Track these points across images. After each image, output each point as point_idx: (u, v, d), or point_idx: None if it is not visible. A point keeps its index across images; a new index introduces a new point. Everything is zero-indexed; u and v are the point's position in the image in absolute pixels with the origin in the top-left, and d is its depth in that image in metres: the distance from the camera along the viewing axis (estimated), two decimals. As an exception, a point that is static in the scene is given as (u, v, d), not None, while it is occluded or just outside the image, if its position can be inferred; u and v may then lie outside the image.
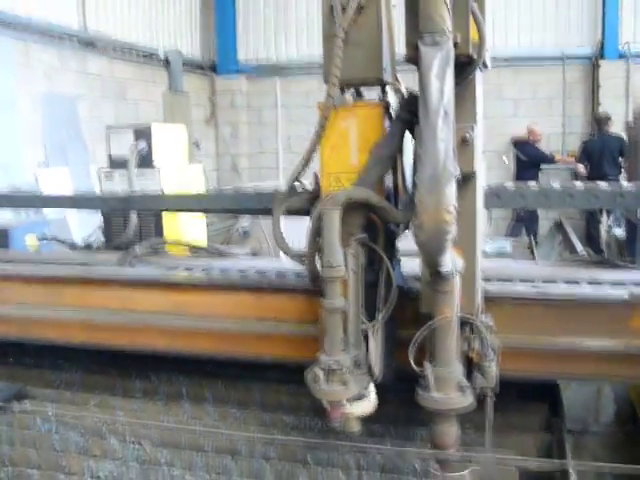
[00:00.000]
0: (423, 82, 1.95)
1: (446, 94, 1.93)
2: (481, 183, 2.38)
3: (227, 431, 2.74)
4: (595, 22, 12.80)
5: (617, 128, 11.50)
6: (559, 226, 11.59)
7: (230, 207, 3.39)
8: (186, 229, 5.81)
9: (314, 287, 2.48)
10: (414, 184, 2.06)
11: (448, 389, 2.19)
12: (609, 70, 12.46)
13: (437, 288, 2.17)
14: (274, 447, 2.63)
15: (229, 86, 14.71)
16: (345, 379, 2.22)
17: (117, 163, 5.83)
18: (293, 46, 14.51)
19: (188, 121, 12.08)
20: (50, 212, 7.29)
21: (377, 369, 2.35)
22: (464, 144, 2.19)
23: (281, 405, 3.02)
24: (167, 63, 12.65)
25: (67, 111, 10.03)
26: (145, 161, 5.75)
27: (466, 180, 2.22)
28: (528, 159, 12.06)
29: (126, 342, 3.05)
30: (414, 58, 2.07)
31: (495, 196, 2.82)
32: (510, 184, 3.01)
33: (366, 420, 2.52)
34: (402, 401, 2.64)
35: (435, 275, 2.14)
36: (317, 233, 2.35)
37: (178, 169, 6.17)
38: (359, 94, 2.50)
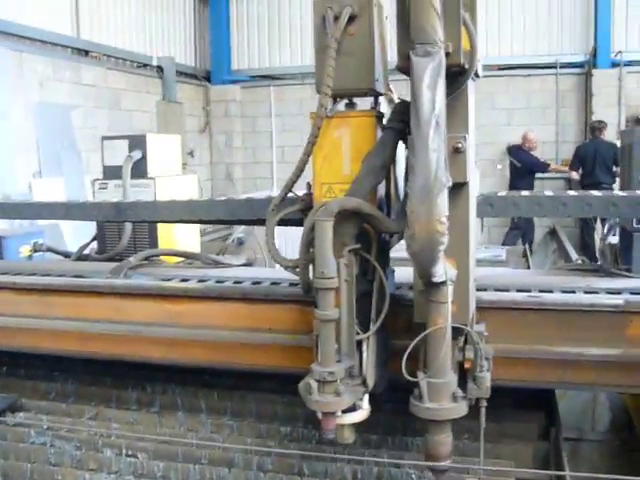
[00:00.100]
0: (415, 92, 1.95)
1: (438, 104, 1.93)
2: (474, 192, 2.38)
3: (223, 444, 2.72)
4: (587, 31, 12.89)
5: (611, 136, 11.57)
6: (553, 234, 11.64)
7: (224, 217, 3.36)
8: (180, 238, 5.81)
9: (308, 297, 2.48)
10: (406, 194, 2.06)
11: (442, 399, 2.18)
12: (602, 79, 12.55)
13: (430, 298, 2.16)
14: (270, 458, 2.62)
15: (223, 95, 14.76)
16: (339, 390, 2.20)
17: (111, 173, 5.84)
18: (287, 55, 14.58)
19: (182, 130, 12.13)
20: (43, 220, 7.29)
21: (371, 379, 2.34)
22: (456, 154, 2.19)
23: (277, 415, 3.01)
24: (161, 72, 12.69)
25: (61, 121, 10.05)
26: (140, 171, 5.76)
27: (459, 190, 2.22)
28: (522, 166, 12.12)
29: (121, 352, 3.03)
30: (406, 68, 2.07)
31: (488, 205, 2.82)
32: (503, 193, 3.02)
33: (363, 430, 2.52)
34: (398, 411, 2.63)
35: (428, 285, 2.14)
36: (310, 243, 2.34)
37: (172, 179, 6.18)
38: (352, 104, 2.50)
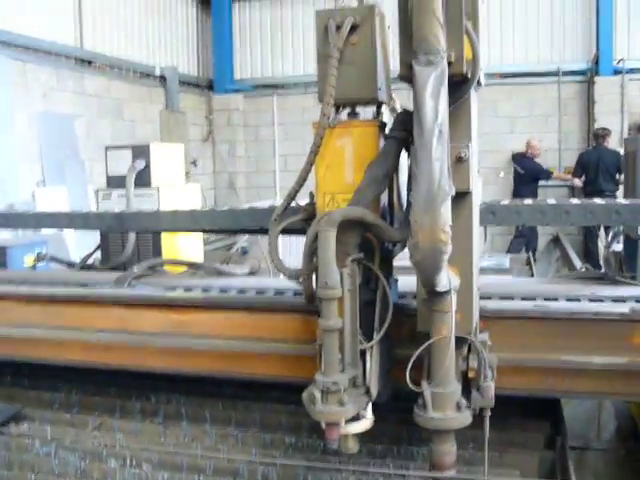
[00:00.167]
0: (418, 102, 1.96)
1: (441, 113, 1.93)
2: (477, 201, 2.38)
3: (228, 455, 2.71)
4: (590, 39, 12.91)
5: (613, 144, 11.57)
6: (556, 242, 11.62)
7: (226, 226, 3.37)
8: (184, 248, 5.81)
9: (311, 307, 2.47)
10: (409, 203, 2.06)
11: (446, 408, 2.18)
12: (604, 86, 12.55)
13: (434, 307, 2.16)
14: (275, 468, 2.61)
15: (226, 104, 14.79)
16: (342, 399, 2.20)
17: (115, 182, 5.84)
18: (289, 64, 14.61)
19: (185, 139, 12.15)
20: (47, 229, 7.30)
21: (375, 389, 2.33)
22: (459, 163, 2.19)
23: (281, 425, 3.00)
24: (164, 82, 12.73)
25: (64, 130, 10.08)
26: (143, 180, 5.76)
27: (462, 198, 2.22)
28: (525, 173, 12.13)
29: (125, 362, 3.04)
30: (408, 77, 2.07)
31: (490, 213, 2.82)
32: (505, 201, 3.01)
33: (368, 440, 2.51)
34: (403, 420, 2.62)
35: (431, 294, 2.14)
36: (313, 253, 2.34)
37: (176, 188, 6.19)
38: (354, 113, 2.50)
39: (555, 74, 12.99)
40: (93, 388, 3.44)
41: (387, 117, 2.56)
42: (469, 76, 2.16)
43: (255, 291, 3.08)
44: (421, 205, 1.93)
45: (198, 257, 6.15)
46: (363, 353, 2.33)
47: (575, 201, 2.92)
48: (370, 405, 2.35)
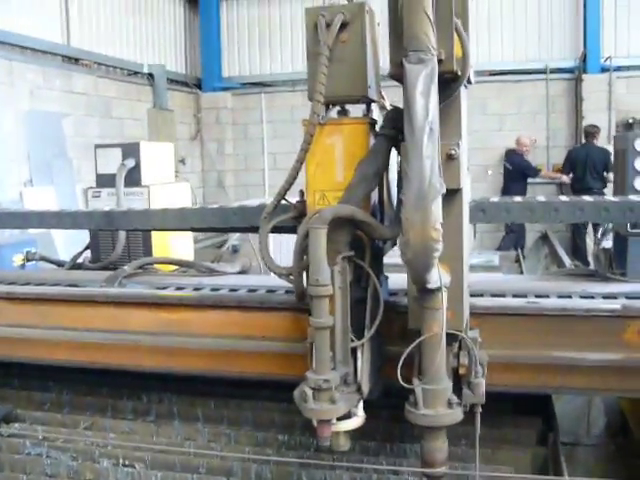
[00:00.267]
0: (408, 99, 1.96)
1: (431, 111, 1.93)
2: (467, 199, 2.39)
3: (221, 453, 2.71)
4: (577, 37, 12.97)
5: (601, 141, 11.63)
6: (545, 238, 11.67)
7: (216, 225, 3.36)
8: (174, 246, 5.79)
9: (302, 305, 2.47)
10: (400, 201, 2.06)
11: (437, 405, 2.19)
12: (592, 84, 12.62)
13: (425, 304, 2.17)
14: (269, 466, 2.61)
15: (214, 103, 14.76)
16: (334, 397, 2.20)
17: (105, 181, 5.82)
18: (278, 62, 14.61)
19: (173, 138, 12.13)
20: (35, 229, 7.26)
21: (366, 386, 2.33)
22: (450, 160, 2.19)
23: (274, 423, 3.00)
24: (152, 80, 12.69)
25: (52, 129, 10.03)
26: (133, 179, 5.74)
27: (452, 196, 2.22)
28: (513, 168, 12.21)
29: (116, 361, 3.02)
30: (398, 75, 2.07)
31: (480, 211, 2.83)
32: (495, 199, 3.02)
33: (360, 437, 2.51)
34: (395, 417, 2.63)
35: (423, 291, 2.14)
36: (303, 251, 2.34)
37: (166, 187, 6.17)
38: (344, 111, 2.50)
39: (543, 72, 13.04)
40: (84, 388, 3.43)
41: (376, 115, 2.56)
42: (459, 74, 2.17)
43: (246, 289, 3.07)
44: (412, 203, 1.93)
45: (189, 255, 6.13)
46: (354, 351, 2.33)
47: (564, 198, 2.93)
48: (361, 402, 2.36)
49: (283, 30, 14.48)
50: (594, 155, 11.37)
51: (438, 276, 2.08)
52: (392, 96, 2.59)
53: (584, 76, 12.72)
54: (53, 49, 10.22)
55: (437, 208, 1.94)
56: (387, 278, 2.61)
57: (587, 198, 2.89)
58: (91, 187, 6.03)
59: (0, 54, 9.14)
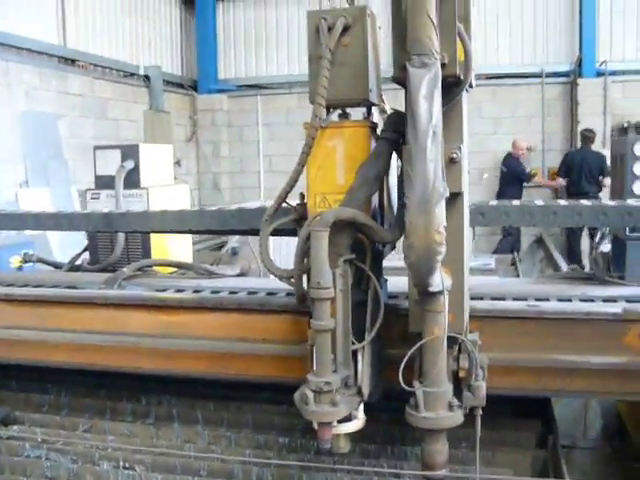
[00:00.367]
0: (412, 103, 1.96)
1: (435, 115, 1.94)
2: (467, 202, 2.40)
3: (222, 455, 2.71)
4: (572, 41, 13.01)
5: (596, 145, 11.67)
6: (540, 242, 11.69)
7: (215, 227, 3.36)
8: (173, 248, 5.79)
9: (302, 307, 2.48)
10: (404, 204, 2.06)
11: (438, 408, 2.19)
12: (587, 88, 12.66)
13: (426, 307, 2.17)
14: (270, 469, 2.61)
15: (210, 105, 14.76)
16: (335, 400, 2.20)
17: (104, 183, 5.81)
18: (274, 64, 14.60)
19: (169, 140, 12.10)
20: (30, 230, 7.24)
21: (366, 389, 2.34)
22: (452, 164, 2.20)
23: (274, 426, 2.99)
24: (148, 82, 12.67)
25: (48, 130, 10.00)
26: (132, 181, 5.74)
27: (454, 200, 2.23)
28: (507, 171, 12.26)
29: (115, 364, 3.02)
30: (401, 79, 2.08)
31: (480, 214, 2.84)
32: (494, 202, 3.03)
33: (361, 440, 2.51)
34: (396, 420, 2.63)
35: (424, 294, 2.14)
36: (305, 253, 2.34)
37: (165, 189, 6.17)
38: (345, 114, 2.51)
39: (539, 76, 13.08)
40: (82, 390, 3.42)
41: (376, 118, 2.57)
42: (462, 78, 2.18)
43: (246, 292, 3.08)
44: (416, 206, 1.94)
45: (187, 257, 6.13)
46: (354, 353, 2.34)
47: (563, 202, 2.95)
48: (362, 405, 2.36)
49: (279, 32, 14.47)
50: (590, 159, 11.40)
51: (440, 279, 2.09)
52: (390, 99, 2.60)
53: (579, 80, 12.77)
54: (49, 50, 10.20)
55: (441, 211, 1.94)
56: (386, 281, 2.62)
57: (585, 202, 2.91)
58: (90, 189, 6.02)
59: (-4, 55, 9.14)
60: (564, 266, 8.10)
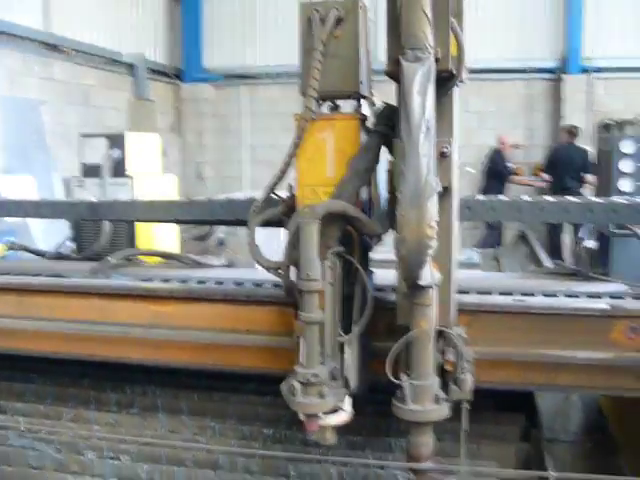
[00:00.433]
0: (405, 98, 1.97)
1: (428, 109, 1.95)
2: (457, 197, 2.41)
3: (207, 446, 2.71)
4: (558, 37, 13.06)
5: (580, 141, 11.72)
6: (522, 237, 11.73)
7: (203, 217, 3.35)
8: (159, 237, 5.76)
9: (289, 299, 2.48)
10: (394, 198, 2.07)
11: (425, 401, 2.20)
12: (572, 84, 12.74)
13: (415, 301, 2.18)
14: (255, 460, 2.61)
15: (195, 94, 14.68)
16: (322, 391, 2.22)
17: (89, 171, 5.78)
18: (259, 54, 14.53)
19: (153, 128, 11.99)
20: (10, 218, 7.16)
21: (353, 381, 2.35)
22: (442, 158, 2.21)
23: (259, 417, 2.99)
24: (132, 70, 12.56)
25: (30, 117, 9.87)
26: (118, 170, 5.71)
27: (444, 194, 2.24)
28: (491, 165, 12.29)
29: (100, 353, 3.00)
30: (395, 73, 2.08)
31: (467, 208, 2.86)
32: (481, 197, 3.04)
33: (347, 432, 2.52)
34: (381, 412, 2.64)
35: (413, 288, 2.15)
36: (293, 245, 2.35)
37: (151, 178, 6.14)
38: (335, 106, 2.51)
39: (524, 71, 13.13)
40: (67, 379, 3.39)
41: (366, 111, 2.57)
42: (454, 73, 2.18)
43: (233, 283, 3.07)
44: (408, 200, 1.94)
45: (174, 247, 6.11)
46: (341, 346, 2.35)
47: (550, 198, 2.96)
48: (348, 397, 2.37)
49: (266, 22, 14.40)
50: (574, 155, 11.44)
51: (430, 273, 2.10)
52: (379, 92, 2.60)
53: (564, 76, 12.84)
54: (32, 35, 10.08)
55: (433, 206, 1.95)
56: (372, 273, 2.62)
57: (572, 199, 2.93)
58: (75, 176, 5.98)
59: (-22, 39, 9.02)
60: (548, 261, 8.13)
